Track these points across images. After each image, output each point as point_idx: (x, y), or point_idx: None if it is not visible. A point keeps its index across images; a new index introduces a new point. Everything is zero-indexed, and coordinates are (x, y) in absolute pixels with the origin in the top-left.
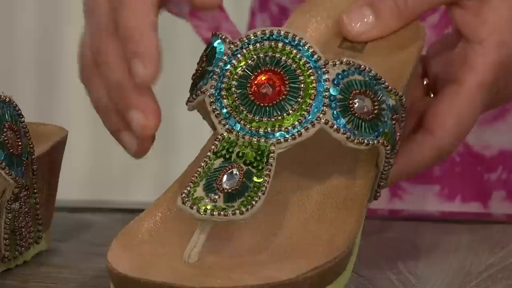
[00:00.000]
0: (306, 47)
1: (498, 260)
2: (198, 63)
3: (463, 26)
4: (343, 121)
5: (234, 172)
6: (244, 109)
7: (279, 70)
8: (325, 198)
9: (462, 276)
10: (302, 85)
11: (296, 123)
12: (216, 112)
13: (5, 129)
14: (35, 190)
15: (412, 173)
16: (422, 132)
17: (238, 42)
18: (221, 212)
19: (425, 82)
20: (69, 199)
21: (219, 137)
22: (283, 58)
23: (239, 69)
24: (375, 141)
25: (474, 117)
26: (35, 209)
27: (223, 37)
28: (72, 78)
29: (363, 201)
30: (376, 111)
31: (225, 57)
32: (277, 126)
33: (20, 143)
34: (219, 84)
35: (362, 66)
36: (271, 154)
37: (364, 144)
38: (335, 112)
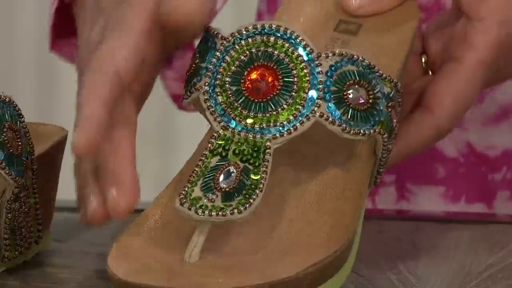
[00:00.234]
0: (298, 40)
1: (498, 260)
2: (191, 59)
3: (464, 3)
4: (338, 113)
5: (231, 170)
6: (238, 105)
7: (272, 65)
8: (324, 189)
9: (462, 276)
10: (296, 79)
11: (291, 117)
12: (211, 110)
13: (5, 129)
14: (35, 190)
15: (411, 153)
16: (421, 111)
17: (230, 38)
18: (219, 213)
19: (423, 60)
20: (69, 199)
21: (215, 134)
22: (276, 52)
23: (232, 65)
24: (371, 131)
25: (473, 95)
26: (35, 209)
27: (216, 32)
28: (72, 78)
29: (362, 190)
30: (371, 101)
31: (218, 53)
32: (272, 121)
33: (20, 143)
34: (213, 80)
35: (355, 56)
36: (267, 150)
37: (361, 134)
38: (329, 104)
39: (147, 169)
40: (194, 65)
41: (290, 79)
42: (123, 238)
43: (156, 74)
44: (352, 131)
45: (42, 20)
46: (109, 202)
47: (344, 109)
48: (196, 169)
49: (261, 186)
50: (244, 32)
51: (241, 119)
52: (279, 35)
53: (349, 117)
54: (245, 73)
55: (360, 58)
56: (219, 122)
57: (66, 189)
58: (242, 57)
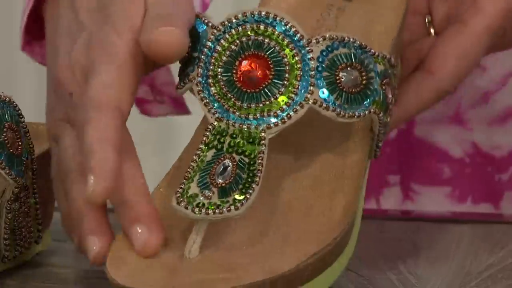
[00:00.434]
0: (288, 27)
1: (498, 260)
2: None
3: None
4: (331, 98)
5: (227, 164)
6: (232, 96)
7: (262, 54)
8: (322, 171)
9: (462, 276)
10: (287, 67)
11: (285, 106)
12: (205, 101)
13: (5, 129)
14: (35, 190)
15: (411, 117)
16: (421, 72)
17: (220, 26)
18: (216, 210)
19: (427, 20)
20: None
21: (210, 127)
22: (266, 40)
23: (224, 55)
24: (366, 112)
25: (476, 60)
26: (35, 209)
27: (206, 21)
28: None
29: (361, 169)
30: (364, 82)
31: (209, 43)
32: (266, 111)
33: (20, 143)
34: (205, 71)
35: (346, 38)
36: (262, 142)
37: (356, 117)
38: (322, 90)
39: (146, 167)
40: (187, 54)
41: (281, 68)
42: (121, 239)
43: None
44: (347, 115)
45: None
46: (140, 243)
47: (338, 94)
48: (192, 164)
49: (257, 179)
50: (234, 20)
51: (235, 110)
52: (268, 22)
53: (343, 101)
54: (237, 63)
55: (351, 39)
56: (214, 114)
57: None
58: (233, 46)
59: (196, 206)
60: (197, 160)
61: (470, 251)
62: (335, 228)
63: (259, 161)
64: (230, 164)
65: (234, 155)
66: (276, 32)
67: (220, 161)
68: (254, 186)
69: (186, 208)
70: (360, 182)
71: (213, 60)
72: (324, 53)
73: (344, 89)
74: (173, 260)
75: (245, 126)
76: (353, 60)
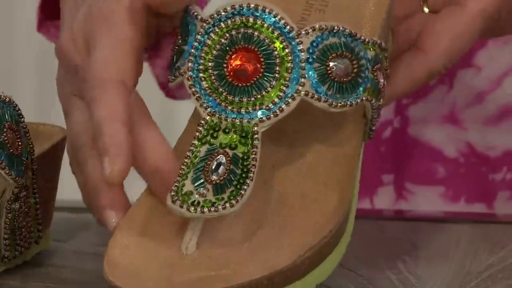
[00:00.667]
0: (277, 19)
1: (498, 260)
2: (175, 40)
3: None
4: (323, 88)
5: (220, 160)
6: (223, 90)
7: (252, 47)
8: (317, 159)
9: (462, 276)
10: (278, 60)
11: (276, 99)
12: (196, 95)
13: (5, 129)
14: (35, 190)
15: (402, 94)
16: (413, 51)
17: (210, 20)
18: (211, 208)
19: None
20: (69, 199)
21: (202, 122)
22: (256, 33)
23: (214, 48)
24: (358, 100)
25: (470, 42)
26: (35, 209)
27: (195, 14)
28: None
29: (356, 156)
30: (355, 70)
31: (199, 36)
32: (258, 105)
33: (20, 143)
34: (196, 65)
35: (335, 28)
36: (256, 136)
37: (348, 106)
38: (313, 81)
39: None
40: (177, 47)
41: (272, 61)
42: (117, 236)
43: (143, 57)
44: (339, 105)
45: None
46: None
47: (329, 84)
48: (186, 160)
49: (251, 175)
50: (223, 13)
51: (227, 104)
52: (257, 14)
53: (334, 91)
54: (227, 57)
55: (341, 28)
56: (206, 108)
57: (66, 189)
58: (223, 40)
59: (191, 204)
60: (190, 156)
61: (470, 251)
62: (331, 218)
63: (253, 155)
64: (224, 160)
65: (227, 150)
66: (266, 24)
67: (213, 157)
68: (248, 181)
69: (181, 207)
70: (354, 169)
71: (203, 54)
72: (314, 44)
73: (336, 79)
74: (170, 258)
75: (237, 120)
76: (343, 49)
